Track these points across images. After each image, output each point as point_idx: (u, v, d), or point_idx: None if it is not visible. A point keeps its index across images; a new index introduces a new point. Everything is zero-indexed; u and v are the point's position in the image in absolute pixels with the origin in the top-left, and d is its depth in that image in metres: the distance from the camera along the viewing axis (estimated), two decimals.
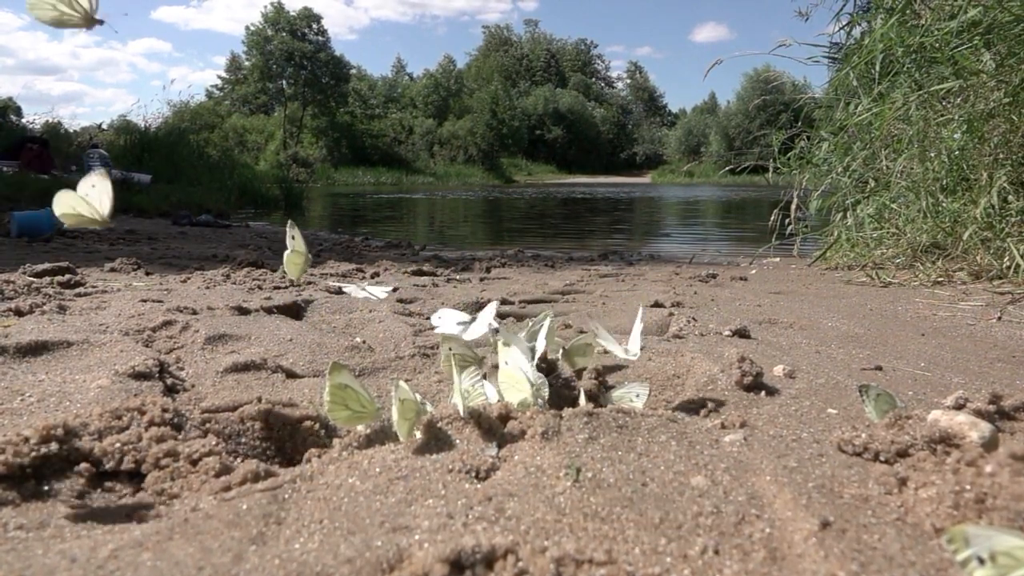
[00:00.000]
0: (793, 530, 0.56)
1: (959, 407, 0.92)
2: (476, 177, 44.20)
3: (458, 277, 2.83)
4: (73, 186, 0.87)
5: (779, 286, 2.58)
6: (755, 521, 0.57)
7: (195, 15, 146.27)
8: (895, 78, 3.06)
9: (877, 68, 3.08)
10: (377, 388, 1.12)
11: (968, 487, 0.58)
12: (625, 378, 1.12)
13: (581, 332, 1.53)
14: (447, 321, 1.10)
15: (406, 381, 1.11)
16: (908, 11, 2.95)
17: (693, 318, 1.70)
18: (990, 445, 0.71)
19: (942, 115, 2.80)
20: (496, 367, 0.92)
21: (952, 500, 0.58)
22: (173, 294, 2.02)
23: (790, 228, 3.62)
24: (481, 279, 2.79)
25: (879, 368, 1.25)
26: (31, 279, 2.13)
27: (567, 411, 0.79)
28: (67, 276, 2.18)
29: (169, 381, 1.07)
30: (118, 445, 0.72)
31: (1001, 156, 2.58)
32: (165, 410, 0.80)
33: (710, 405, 0.97)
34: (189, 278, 2.48)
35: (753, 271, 3.18)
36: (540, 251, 4.47)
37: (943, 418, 0.75)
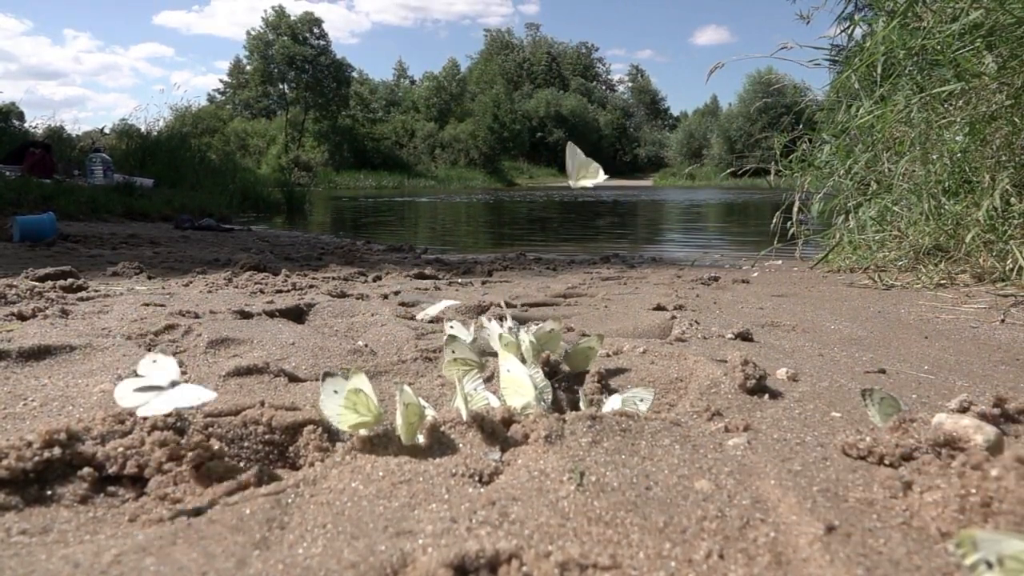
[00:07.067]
0: (798, 534, 0.56)
1: (963, 410, 0.92)
2: (478, 180, 44.26)
3: (460, 280, 2.83)
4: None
5: (781, 289, 2.58)
6: (759, 525, 0.57)
7: (197, 20, 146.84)
8: (897, 80, 3.06)
9: (879, 70, 3.08)
10: (380, 391, 1.11)
11: (974, 491, 0.57)
12: (628, 382, 1.12)
13: (583, 335, 1.53)
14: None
15: (409, 384, 1.11)
16: (910, 13, 2.95)
17: (695, 321, 1.70)
18: (995, 448, 0.71)
19: (944, 117, 2.80)
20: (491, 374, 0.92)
21: (958, 504, 0.57)
22: (175, 298, 2.02)
23: (792, 231, 3.61)
24: (483, 282, 2.79)
25: (882, 371, 1.25)
26: (34, 283, 2.13)
27: (570, 415, 0.79)
28: (70, 280, 2.18)
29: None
30: (121, 450, 0.72)
31: (1003, 158, 2.58)
32: (168, 414, 0.80)
33: (713, 408, 0.97)
34: (191, 282, 2.48)
35: (755, 274, 3.18)
36: (542, 254, 4.47)
37: (947, 421, 0.75)
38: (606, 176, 1.07)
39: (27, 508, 0.64)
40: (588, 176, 1.03)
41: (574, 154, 1.03)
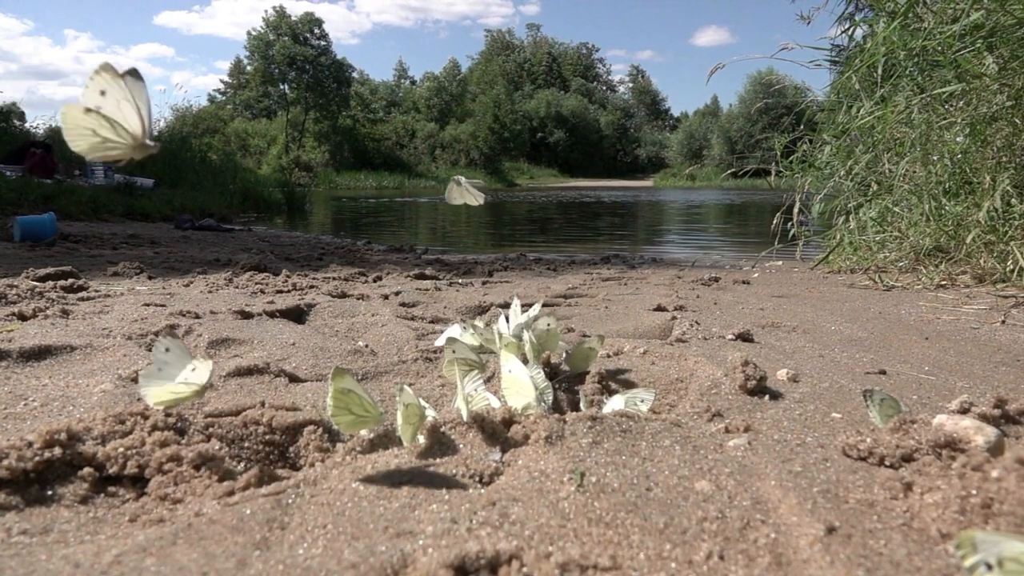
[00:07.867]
0: (798, 535, 0.55)
1: (964, 411, 0.92)
2: (478, 181, 44.15)
3: (460, 281, 2.83)
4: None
5: (782, 290, 2.58)
6: (760, 526, 0.57)
7: (197, 20, 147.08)
8: (897, 81, 3.06)
9: (879, 71, 3.07)
10: (380, 392, 1.11)
11: (974, 492, 0.57)
12: (629, 383, 1.12)
13: (584, 336, 1.53)
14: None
15: (409, 385, 1.11)
16: (910, 14, 2.95)
17: (696, 322, 1.70)
18: (996, 450, 0.71)
19: (945, 118, 2.80)
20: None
21: (958, 505, 0.57)
22: (176, 298, 2.02)
23: (792, 232, 3.61)
24: (483, 283, 2.79)
25: (883, 372, 1.25)
26: (34, 283, 2.13)
27: (571, 415, 0.79)
28: (70, 280, 2.18)
29: None
30: (121, 450, 0.72)
31: (1004, 159, 2.58)
32: (168, 415, 0.80)
33: (714, 409, 0.97)
34: (192, 282, 2.48)
35: (756, 275, 3.18)
36: (542, 255, 4.48)
37: (948, 423, 0.75)
38: (487, 198, 1.23)
39: (28, 508, 0.64)
40: (468, 197, 1.18)
41: (460, 188, 1.19)
